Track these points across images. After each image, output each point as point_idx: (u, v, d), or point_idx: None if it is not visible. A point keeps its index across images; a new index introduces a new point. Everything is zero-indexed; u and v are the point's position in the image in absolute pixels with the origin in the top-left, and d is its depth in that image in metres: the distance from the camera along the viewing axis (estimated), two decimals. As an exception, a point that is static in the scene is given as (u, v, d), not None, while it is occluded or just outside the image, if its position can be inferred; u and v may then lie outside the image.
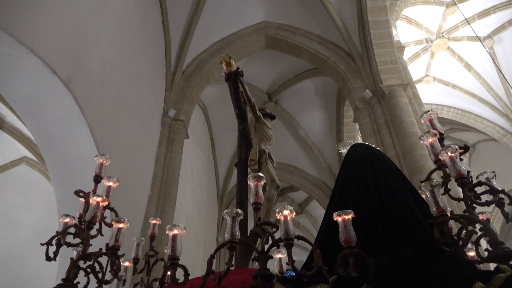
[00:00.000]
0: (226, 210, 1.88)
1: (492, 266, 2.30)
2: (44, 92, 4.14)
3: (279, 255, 3.30)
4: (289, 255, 1.72)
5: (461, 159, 2.09)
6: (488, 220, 1.94)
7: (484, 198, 1.98)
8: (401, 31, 9.46)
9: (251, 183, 2.19)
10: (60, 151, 4.59)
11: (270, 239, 1.87)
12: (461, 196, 2.01)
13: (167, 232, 2.03)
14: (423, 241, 1.90)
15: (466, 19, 8.98)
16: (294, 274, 1.83)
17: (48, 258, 2.39)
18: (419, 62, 11.04)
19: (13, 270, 9.02)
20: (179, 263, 1.95)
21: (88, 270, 2.23)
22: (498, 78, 10.67)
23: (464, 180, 1.94)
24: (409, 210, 2.09)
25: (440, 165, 2.23)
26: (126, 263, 2.95)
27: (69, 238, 2.47)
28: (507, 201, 1.95)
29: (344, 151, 2.88)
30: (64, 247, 2.43)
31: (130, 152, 5.71)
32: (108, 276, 2.33)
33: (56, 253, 2.41)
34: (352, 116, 7.71)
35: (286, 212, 1.79)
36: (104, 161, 2.85)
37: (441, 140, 2.34)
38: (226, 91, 4.15)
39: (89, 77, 4.69)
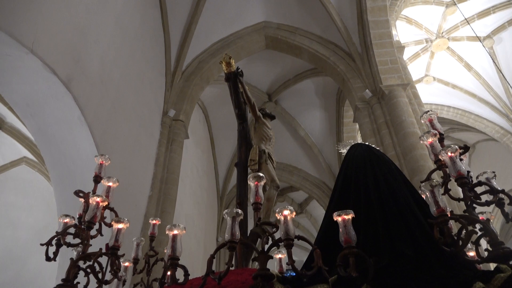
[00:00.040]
0: (226, 210, 1.88)
1: (492, 266, 2.30)
2: (44, 92, 4.14)
3: (279, 255, 3.30)
4: (289, 255, 1.72)
5: (461, 159, 2.09)
6: (488, 220, 1.94)
7: (484, 198, 1.98)
8: (401, 31, 9.47)
9: (251, 183, 2.19)
10: (60, 151, 4.59)
11: (270, 239, 1.87)
12: (461, 196, 2.01)
13: (167, 232, 2.03)
14: (423, 241, 1.90)
15: (466, 19, 8.99)
16: (294, 274, 1.83)
17: (48, 259, 2.39)
18: (419, 62, 11.04)
19: (13, 270, 9.02)
20: (179, 263, 1.95)
21: (88, 270, 2.23)
22: (498, 78, 10.68)
23: (464, 180, 1.94)
24: (409, 210, 2.09)
25: (440, 165, 2.23)
26: (126, 263, 2.95)
27: (69, 238, 2.47)
28: (507, 201, 1.95)
29: (344, 151, 2.88)
30: (64, 247, 2.43)
31: (130, 152, 5.71)
32: (108, 276, 2.33)
33: (56, 253, 2.41)
34: (352, 116, 7.71)
35: (286, 212, 1.79)
36: (104, 161, 2.85)
37: (441, 140, 2.34)
38: (226, 91, 4.15)
39: (89, 77, 4.69)
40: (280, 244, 1.78)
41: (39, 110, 4.30)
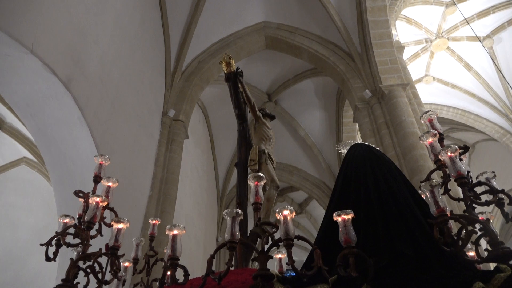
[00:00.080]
0: (226, 210, 1.88)
1: (492, 266, 2.30)
2: (44, 92, 4.14)
3: (279, 255, 3.30)
4: (289, 255, 1.72)
5: (460, 159, 2.09)
6: (488, 220, 1.94)
7: (484, 198, 1.98)
8: (401, 31, 9.47)
9: (251, 183, 2.19)
10: (59, 152, 4.59)
11: (270, 239, 1.87)
12: (461, 196, 2.01)
13: (167, 232, 2.03)
14: (423, 241, 1.90)
15: (465, 19, 8.99)
16: (294, 274, 1.83)
17: (48, 259, 2.39)
18: (419, 62, 11.04)
19: (13, 270, 9.02)
20: (179, 263, 1.95)
21: (88, 270, 2.23)
22: (498, 78, 10.68)
23: (463, 180, 1.94)
24: (409, 210, 2.08)
25: (440, 165, 2.23)
26: (126, 263, 2.95)
27: (69, 239, 2.47)
28: (506, 201, 1.95)
29: (344, 151, 2.88)
30: (64, 247, 2.43)
31: (130, 152, 5.72)
32: (108, 276, 2.33)
33: (55, 254, 2.41)
34: (352, 116, 7.71)
35: (286, 212, 1.79)
36: (104, 161, 2.85)
37: (440, 140, 2.34)
38: (226, 91, 4.15)
39: (88, 77, 4.69)
40: (280, 244, 1.78)
41: (39, 110, 4.30)
